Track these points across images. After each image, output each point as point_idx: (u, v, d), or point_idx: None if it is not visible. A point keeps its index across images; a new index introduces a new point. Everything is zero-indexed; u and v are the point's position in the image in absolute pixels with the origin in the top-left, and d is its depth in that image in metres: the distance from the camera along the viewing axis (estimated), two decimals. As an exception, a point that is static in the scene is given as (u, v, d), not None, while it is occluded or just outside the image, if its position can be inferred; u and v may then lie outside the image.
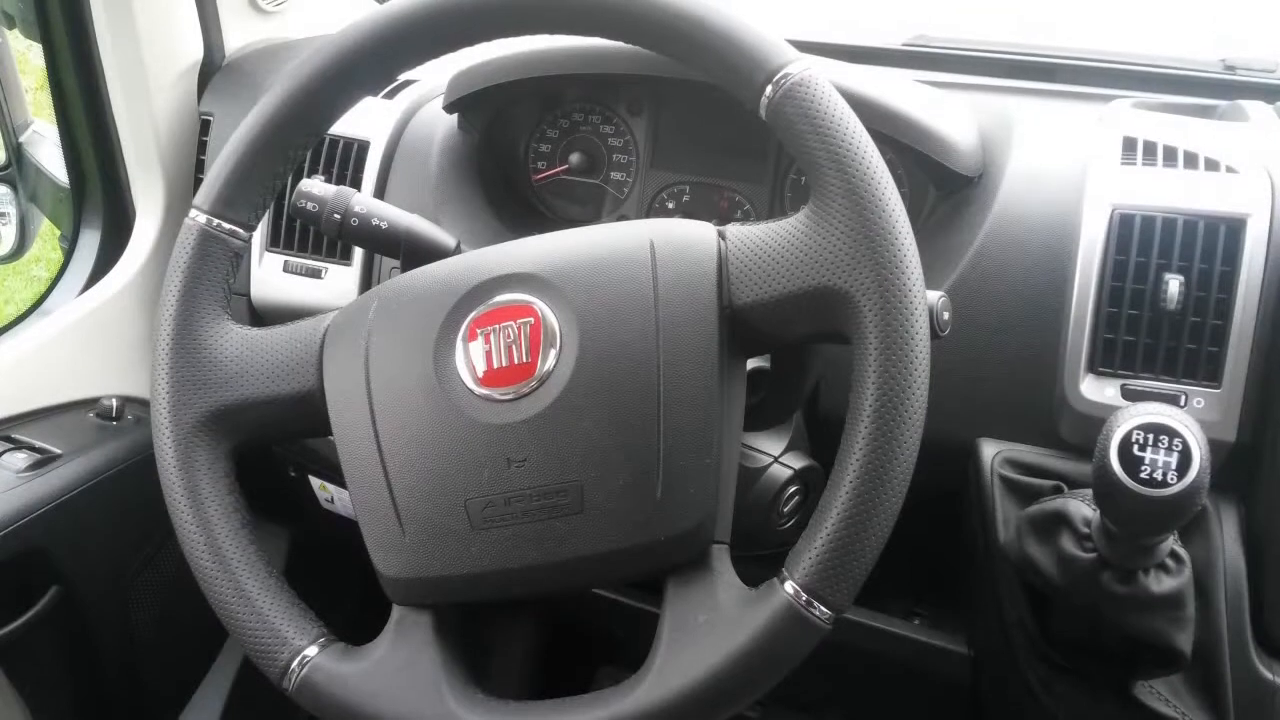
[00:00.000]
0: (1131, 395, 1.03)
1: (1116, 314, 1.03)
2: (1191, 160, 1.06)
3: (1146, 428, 0.85)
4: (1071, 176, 1.10)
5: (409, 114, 1.41)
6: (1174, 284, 1.00)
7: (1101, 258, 1.04)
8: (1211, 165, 1.06)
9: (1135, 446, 0.84)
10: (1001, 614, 1.09)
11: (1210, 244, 1.01)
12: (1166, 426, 0.84)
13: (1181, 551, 0.96)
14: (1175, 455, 0.83)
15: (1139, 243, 1.03)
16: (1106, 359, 1.04)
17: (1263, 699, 1.04)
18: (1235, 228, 1.01)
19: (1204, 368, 1.01)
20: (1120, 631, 0.98)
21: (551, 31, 0.90)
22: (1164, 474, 0.83)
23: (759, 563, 0.89)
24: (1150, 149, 1.09)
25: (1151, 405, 0.87)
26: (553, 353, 0.82)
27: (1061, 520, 0.98)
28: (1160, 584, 0.94)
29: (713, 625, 0.78)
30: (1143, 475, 0.84)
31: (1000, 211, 1.12)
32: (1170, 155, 1.08)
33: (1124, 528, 0.90)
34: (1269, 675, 1.04)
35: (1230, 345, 1.00)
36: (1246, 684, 1.04)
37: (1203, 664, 1.05)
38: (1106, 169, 1.07)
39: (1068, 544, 0.97)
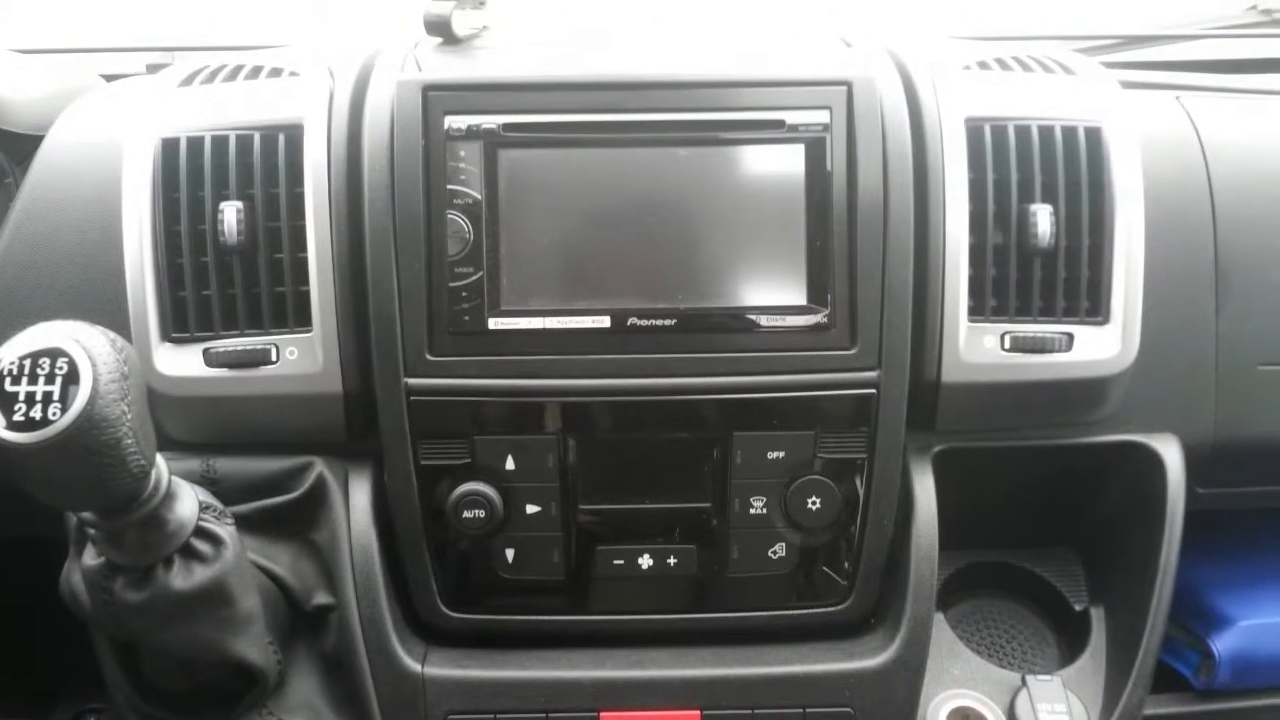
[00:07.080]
0: None
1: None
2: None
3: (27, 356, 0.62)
4: None
5: None
6: None
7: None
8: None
9: (8, 380, 0.62)
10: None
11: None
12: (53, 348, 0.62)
13: (220, 530, 0.74)
14: (59, 381, 0.61)
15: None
16: None
17: (411, 696, 0.84)
18: None
19: None
20: (171, 654, 0.75)
21: None
22: (44, 409, 0.61)
23: None
24: None
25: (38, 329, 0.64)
26: None
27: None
28: (189, 578, 0.72)
29: None
30: (17, 417, 0.61)
31: None
32: None
33: (51, 500, 0.66)
34: (414, 665, 0.84)
35: None
36: (391, 682, 0.84)
37: (342, 669, 0.84)
38: None
39: (87, 555, 0.73)
